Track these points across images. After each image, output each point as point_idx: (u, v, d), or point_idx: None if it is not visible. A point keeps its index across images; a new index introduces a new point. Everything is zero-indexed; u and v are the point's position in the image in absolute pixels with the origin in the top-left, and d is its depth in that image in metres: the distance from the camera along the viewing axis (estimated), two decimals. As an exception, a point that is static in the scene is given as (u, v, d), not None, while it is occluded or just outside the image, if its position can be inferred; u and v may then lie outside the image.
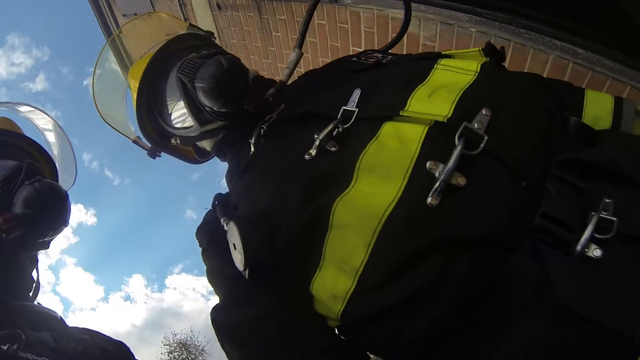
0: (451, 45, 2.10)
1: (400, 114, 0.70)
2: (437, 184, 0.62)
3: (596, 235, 0.60)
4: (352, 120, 0.74)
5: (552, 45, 1.82)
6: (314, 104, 0.82)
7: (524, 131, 0.70)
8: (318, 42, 2.60)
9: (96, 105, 1.21)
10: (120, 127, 1.21)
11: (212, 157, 1.15)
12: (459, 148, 0.63)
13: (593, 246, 0.60)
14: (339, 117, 0.75)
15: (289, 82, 0.99)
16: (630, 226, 0.60)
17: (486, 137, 0.64)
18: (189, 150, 1.16)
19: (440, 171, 0.62)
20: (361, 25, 2.40)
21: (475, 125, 0.66)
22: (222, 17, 3.58)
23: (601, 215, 0.61)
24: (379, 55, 0.96)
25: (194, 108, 0.94)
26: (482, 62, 0.81)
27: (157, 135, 1.07)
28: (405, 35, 1.20)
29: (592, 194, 0.64)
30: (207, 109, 0.91)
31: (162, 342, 18.79)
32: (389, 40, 2.09)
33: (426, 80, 0.77)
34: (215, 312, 0.79)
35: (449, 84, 0.75)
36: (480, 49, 0.83)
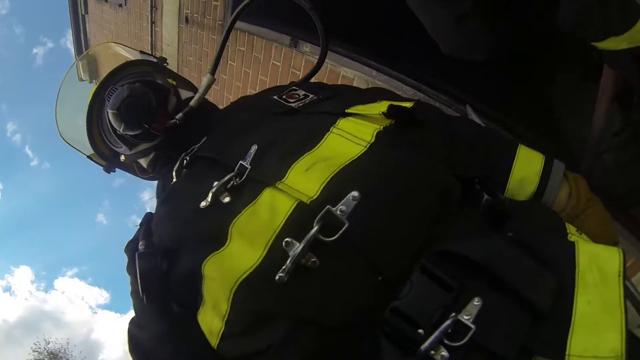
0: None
1: (277, 185, 0.73)
2: (288, 263, 0.64)
3: (445, 342, 0.59)
4: (244, 177, 0.78)
5: None
6: (221, 150, 0.86)
7: (397, 219, 0.69)
8: (268, 81, 2.63)
9: (57, 122, 1.32)
10: (77, 144, 1.28)
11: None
12: (312, 232, 0.64)
13: (442, 349, 0.59)
14: (235, 170, 0.79)
15: (225, 104, 1.07)
16: (486, 338, 0.59)
17: (347, 225, 0.64)
18: (133, 166, 1.23)
19: (293, 250, 0.64)
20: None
21: (339, 210, 0.66)
22: (186, 31, 3.56)
23: (460, 318, 0.60)
24: (299, 94, 1.00)
25: (112, 128, 1.05)
26: (381, 128, 0.81)
27: (108, 153, 1.18)
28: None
29: (465, 291, 0.63)
30: (117, 132, 1.03)
31: (32, 347, 17.87)
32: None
33: (316, 147, 0.79)
34: (130, 323, 0.87)
35: (333, 157, 0.76)
36: (380, 112, 0.84)
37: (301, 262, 0.64)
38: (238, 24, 2.82)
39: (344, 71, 2.32)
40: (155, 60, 1.27)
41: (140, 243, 0.83)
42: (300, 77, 2.48)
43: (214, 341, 0.74)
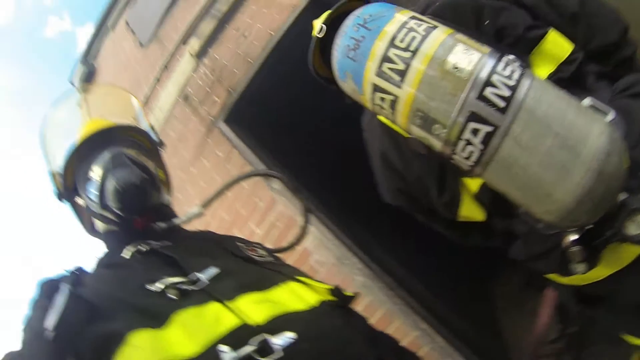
0: (331, 280, 2.24)
1: (226, 303, 0.83)
2: None
3: None
4: (197, 286, 0.88)
5: (417, 325, 2.04)
6: (185, 258, 0.97)
7: None
8: (230, 197, 2.72)
9: (44, 124, 1.37)
10: (50, 154, 1.31)
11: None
12: (250, 348, 0.74)
13: None
14: (190, 278, 0.89)
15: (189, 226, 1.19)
16: None
17: (282, 354, 0.75)
18: (88, 217, 1.27)
19: (228, 356, 0.72)
20: (272, 212, 2.58)
21: (275, 341, 0.76)
22: (180, 107, 3.72)
23: None
24: (260, 252, 1.14)
25: (102, 191, 1.10)
26: (325, 299, 0.93)
27: (72, 184, 1.20)
28: (301, 248, 1.39)
29: None
30: (105, 201, 1.09)
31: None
32: (284, 240, 2.24)
33: (267, 290, 0.91)
34: (9, 356, 0.85)
35: (280, 302, 0.88)
36: (328, 289, 0.97)
37: None
38: (224, 128, 3.03)
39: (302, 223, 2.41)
40: (156, 140, 1.37)
41: (66, 286, 0.86)
42: (257, 208, 2.62)
43: None
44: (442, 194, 1.10)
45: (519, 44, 0.88)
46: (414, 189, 1.15)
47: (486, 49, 0.84)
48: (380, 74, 0.86)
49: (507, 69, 0.81)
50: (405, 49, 0.84)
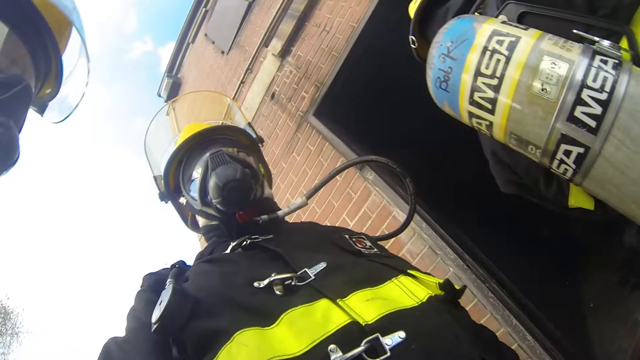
0: (425, 270, 2.31)
1: (337, 301, 0.85)
2: None
3: None
4: (305, 282, 0.91)
5: (508, 320, 2.04)
6: (291, 253, 1.00)
7: None
8: (322, 191, 2.83)
9: (146, 135, 1.54)
10: (152, 160, 1.48)
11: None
12: (359, 349, 0.75)
13: None
14: (298, 274, 0.92)
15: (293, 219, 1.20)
16: None
17: (388, 354, 0.76)
18: (189, 214, 1.40)
19: (336, 356, 0.74)
20: (366, 203, 2.66)
21: (385, 341, 0.77)
22: (268, 106, 3.94)
23: None
24: (367, 243, 1.17)
25: (203, 188, 1.20)
26: (433, 294, 0.95)
27: (173, 186, 1.33)
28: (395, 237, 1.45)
29: None
30: (207, 197, 1.17)
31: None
32: (378, 231, 2.31)
33: (377, 287, 0.94)
34: (112, 341, 0.88)
35: (390, 299, 0.90)
36: (437, 282, 1.00)
37: None
38: (315, 122, 3.17)
39: (397, 213, 2.51)
40: (254, 136, 1.46)
41: (170, 281, 0.91)
42: (352, 201, 2.74)
43: None
44: (549, 186, 1.13)
45: (616, 13, 0.81)
46: (525, 180, 1.18)
47: (577, 50, 0.81)
48: (472, 102, 0.91)
49: (599, 76, 0.77)
50: (492, 76, 0.87)
